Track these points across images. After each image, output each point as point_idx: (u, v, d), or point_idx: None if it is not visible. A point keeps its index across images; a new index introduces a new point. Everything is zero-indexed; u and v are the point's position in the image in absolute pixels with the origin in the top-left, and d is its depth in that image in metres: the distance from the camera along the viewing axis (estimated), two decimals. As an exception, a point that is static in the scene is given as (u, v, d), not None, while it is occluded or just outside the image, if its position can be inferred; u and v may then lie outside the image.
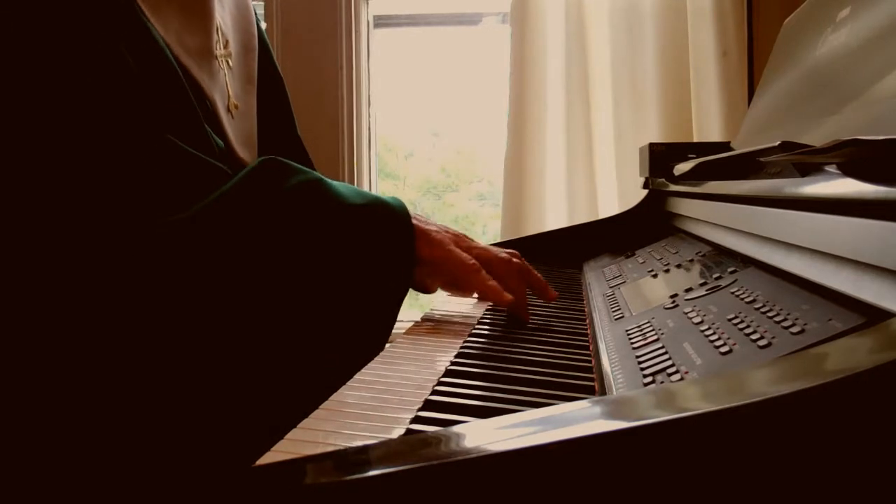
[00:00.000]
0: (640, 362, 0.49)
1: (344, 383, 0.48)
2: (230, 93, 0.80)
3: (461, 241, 0.72)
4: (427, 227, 0.69)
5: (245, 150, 0.80)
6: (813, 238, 0.48)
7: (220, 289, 0.59)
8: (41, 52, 0.61)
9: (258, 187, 0.63)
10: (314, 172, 0.67)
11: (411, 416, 0.44)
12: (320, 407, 0.47)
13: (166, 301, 0.58)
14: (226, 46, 0.81)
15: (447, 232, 0.71)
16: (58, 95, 0.60)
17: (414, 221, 0.68)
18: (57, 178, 0.59)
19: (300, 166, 0.66)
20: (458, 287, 0.72)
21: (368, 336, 0.60)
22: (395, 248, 0.66)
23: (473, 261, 0.69)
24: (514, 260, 0.74)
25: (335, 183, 0.67)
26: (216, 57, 0.78)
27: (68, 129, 0.60)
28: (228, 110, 0.79)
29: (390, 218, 0.67)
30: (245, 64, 0.85)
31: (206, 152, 0.68)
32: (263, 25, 0.97)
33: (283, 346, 0.63)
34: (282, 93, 0.93)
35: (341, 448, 0.32)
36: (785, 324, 0.42)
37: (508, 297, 0.69)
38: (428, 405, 0.46)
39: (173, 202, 0.60)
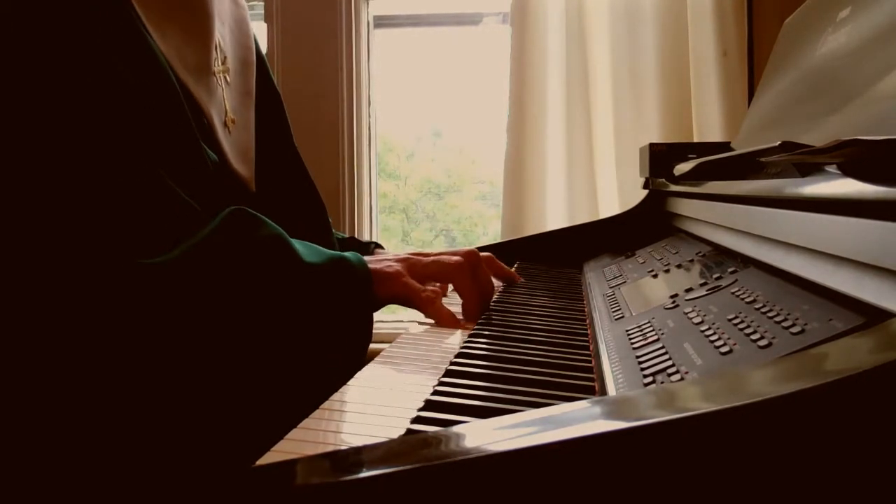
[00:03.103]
0: (640, 362, 0.49)
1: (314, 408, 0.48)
2: (227, 108, 0.81)
3: (414, 266, 0.76)
4: (380, 265, 0.75)
5: (242, 164, 0.82)
6: (813, 238, 0.48)
7: (194, 329, 0.62)
8: (36, 74, 0.60)
9: (228, 238, 0.66)
10: (276, 228, 0.69)
11: (411, 416, 0.44)
12: (320, 407, 0.47)
13: (143, 338, 0.60)
14: (224, 62, 0.82)
15: (397, 260, 0.77)
16: (51, 122, 0.60)
17: (370, 266, 0.73)
18: (42, 211, 0.59)
19: (264, 218, 0.69)
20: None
21: (339, 374, 0.62)
22: (355, 304, 0.71)
23: (425, 291, 0.75)
24: (462, 261, 0.78)
25: (294, 242, 0.70)
26: (214, 73, 0.80)
27: (58, 159, 0.60)
28: (225, 125, 0.80)
29: (348, 275, 0.71)
30: (243, 79, 0.87)
31: (200, 168, 0.70)
32: (263, 48, 0.97)
33: (253, 383, 0.66)
34: (279, 107, 0.95)
35: (341, 448, 0.32)
36: (785, 324, 0.42)
37: (459, 324, 0.75)
38: (428, 405, 0.46)
39: (152, 243, 0.62)
